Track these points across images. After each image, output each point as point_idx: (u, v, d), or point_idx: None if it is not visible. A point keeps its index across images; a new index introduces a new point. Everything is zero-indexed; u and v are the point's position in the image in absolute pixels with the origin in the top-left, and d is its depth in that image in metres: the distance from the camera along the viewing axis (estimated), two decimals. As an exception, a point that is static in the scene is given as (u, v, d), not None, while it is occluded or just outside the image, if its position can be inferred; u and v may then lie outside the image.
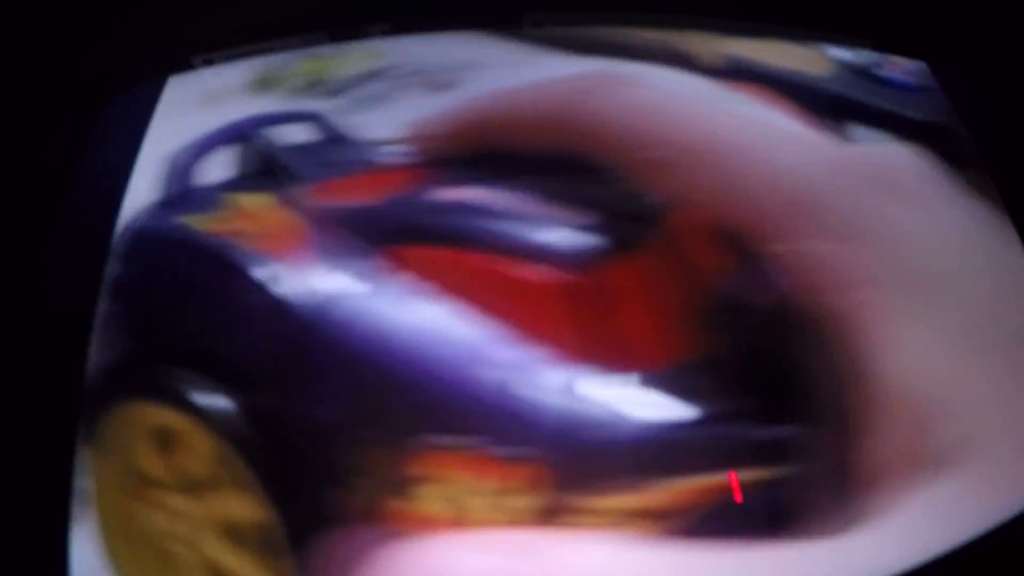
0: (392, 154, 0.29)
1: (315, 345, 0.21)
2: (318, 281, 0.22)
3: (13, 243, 0.34)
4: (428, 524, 0.19)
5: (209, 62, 0.41)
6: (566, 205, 0.22)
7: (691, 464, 0.20)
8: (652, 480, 0.19)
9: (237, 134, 0.32)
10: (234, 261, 0.23)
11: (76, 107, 0.38)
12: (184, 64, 0.41)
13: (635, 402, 0.20)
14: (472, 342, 0.19)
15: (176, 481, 0.23)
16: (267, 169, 0.30)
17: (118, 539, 0.24)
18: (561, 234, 0.20)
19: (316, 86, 0.39)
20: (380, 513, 0.20)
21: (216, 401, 0.22)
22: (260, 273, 0.22)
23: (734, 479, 0.19)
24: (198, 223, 0.26)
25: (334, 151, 0.31)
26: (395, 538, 0.19)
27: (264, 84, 0.40)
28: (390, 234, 0.22)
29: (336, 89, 0.38)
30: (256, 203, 0.26)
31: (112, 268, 0.29)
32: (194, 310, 0.24)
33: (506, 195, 0.22)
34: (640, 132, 0.23)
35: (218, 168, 0.32)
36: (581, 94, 0.27)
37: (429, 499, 0.19)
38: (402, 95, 0.39)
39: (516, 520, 0.19)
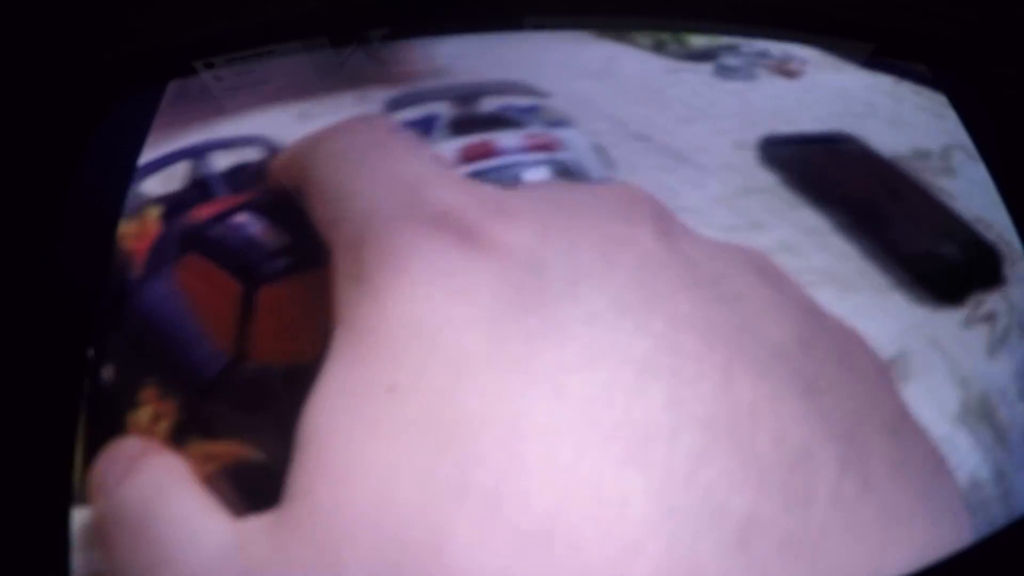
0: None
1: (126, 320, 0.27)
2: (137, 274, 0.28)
3: (12, 246, 0.34)
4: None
5: (210, 66, 0.41)
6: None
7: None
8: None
9: (189, 154, 0.36)
10: (115, 256, 0.30)
11: (77, 111, 0.38)
12: (185, 68, 0.41)
13: None
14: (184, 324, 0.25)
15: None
16: (191, 186, 0.34)
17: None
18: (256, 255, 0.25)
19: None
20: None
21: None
22: (119, 267, 0.29)
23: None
24: (122, 224, 0.31)
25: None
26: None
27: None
28: (183, 243, 0.28)
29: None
30: (152, 213, 0.31)
31: None
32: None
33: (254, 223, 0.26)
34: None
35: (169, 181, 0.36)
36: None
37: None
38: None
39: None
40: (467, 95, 0.41)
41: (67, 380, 0.30)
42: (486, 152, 0.37)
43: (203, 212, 0.29)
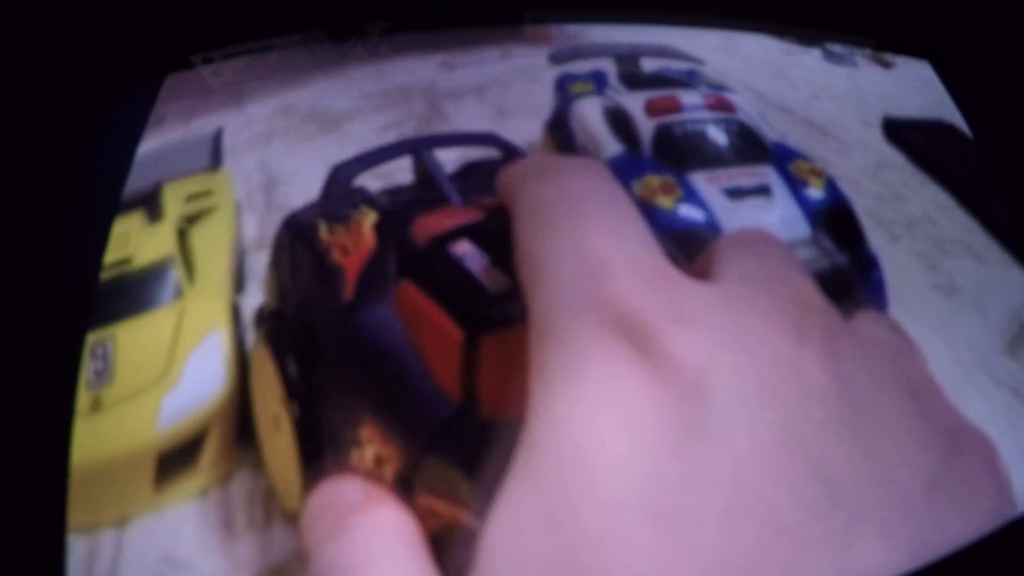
0: None
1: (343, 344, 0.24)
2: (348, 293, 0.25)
3: (10, 240, 0.32)
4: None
5: (208, 60, 0.39)
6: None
7: None
8: None
9: (411, 149, 0.32)
10: (324, 268, 0.26)
11: (75, 105, 0.35)
12: (183, 62, 0.39)
13: None
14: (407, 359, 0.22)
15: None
16: (415, 187, 0.31)
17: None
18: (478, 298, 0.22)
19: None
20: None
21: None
22: (330, 280, 0.25)
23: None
24: (321, 228, 0.27)
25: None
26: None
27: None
28: (400, 268, 0.24)
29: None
30: (366, 221, 0.27)
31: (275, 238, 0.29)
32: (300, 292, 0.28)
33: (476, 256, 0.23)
34: None
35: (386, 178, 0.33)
36: None
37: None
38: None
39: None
40: (626, 55, 0.42)
41: (63, 377, 0.28)
42: (673, 106, 0.37)
43: (425, 228, 0.25)
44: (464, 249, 0.23)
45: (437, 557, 0.19)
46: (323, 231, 0.27)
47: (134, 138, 0.35)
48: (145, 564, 0.27)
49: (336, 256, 0.26)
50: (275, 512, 0.28)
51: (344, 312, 0.24)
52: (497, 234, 0.22)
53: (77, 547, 0.26)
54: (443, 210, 0.26)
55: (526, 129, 0.40)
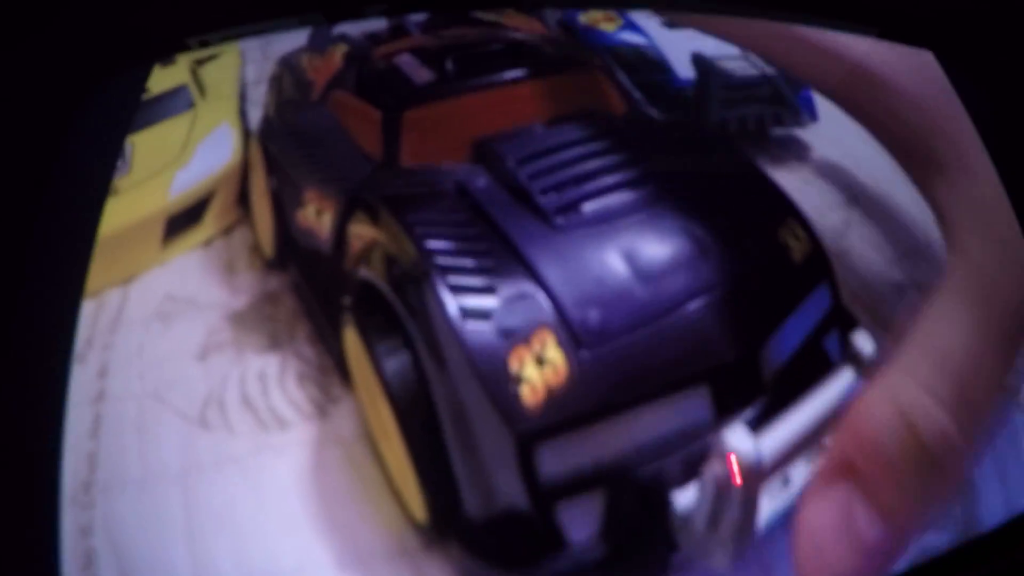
0: None
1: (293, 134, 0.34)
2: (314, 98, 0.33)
3: (4, 220, 0.34)
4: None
5: (205, 43, 0.40)
6: None
7: None
8: None
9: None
10: (301, 81, 0.35)
11: (72, 87, 0.37)
12: (179, 45, 0.40)
13: None
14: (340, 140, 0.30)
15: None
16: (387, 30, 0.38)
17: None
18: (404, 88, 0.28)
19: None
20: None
21: None
22: (303, 89, 0.35)
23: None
24: (303, 58, 0.35)
25: None
26: None
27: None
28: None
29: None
30: (337, 50, 0.34)
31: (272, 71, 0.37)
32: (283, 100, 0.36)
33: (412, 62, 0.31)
34: None
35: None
36: None
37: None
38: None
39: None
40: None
41: (55, 366, 0.29)
42: None
43: (381, 51, 0.32)
44: (403, 59, 0.30)
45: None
46: (304, 59, 0.34)
47: (129, 118, 0.36)
48: (149, 304, 0.31)
49: (310, 74, 0.32)
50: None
51: (304, 110, 0.31)
52: (435, 48, 0.30)
53: (86, 309, 0.30)
54: (403, 39, 0.33)
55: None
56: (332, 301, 0.26)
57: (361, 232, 0.25)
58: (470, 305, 0.20)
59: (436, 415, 0.21)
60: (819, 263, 0.25)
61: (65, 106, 0.37)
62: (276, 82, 0.34)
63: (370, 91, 0.28)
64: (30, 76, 0.37)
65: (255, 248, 0.32)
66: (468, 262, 0.21)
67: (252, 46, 0.40)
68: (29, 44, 0.37)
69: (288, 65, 0.34)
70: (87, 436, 0.28)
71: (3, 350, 0.29)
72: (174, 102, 0.36)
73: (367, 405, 0.26)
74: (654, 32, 0.40)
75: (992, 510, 0.27)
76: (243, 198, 0.33)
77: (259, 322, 0.30)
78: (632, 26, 0.40)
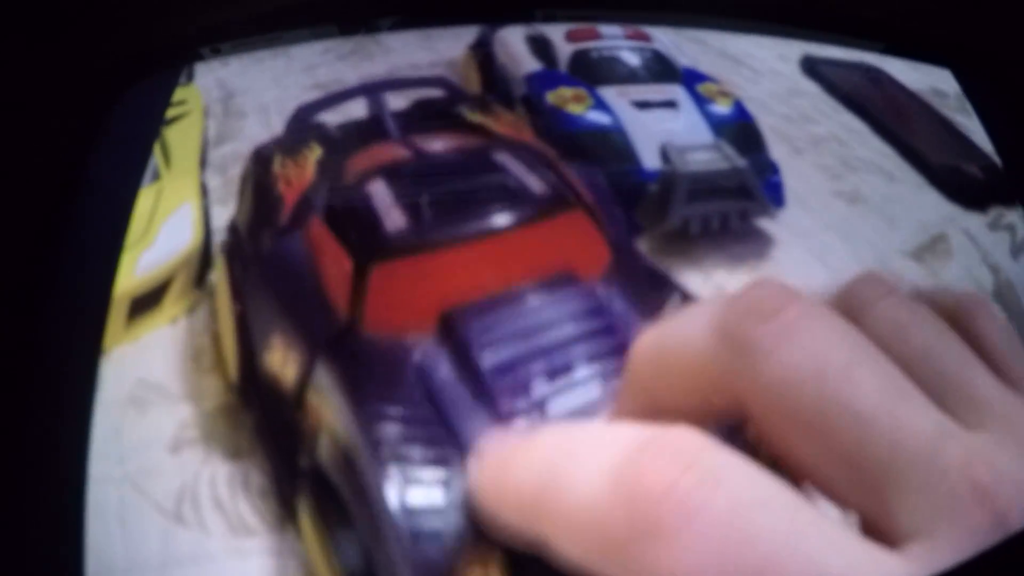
0: None
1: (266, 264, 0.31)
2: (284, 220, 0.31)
3: (27, 233, 0.34)
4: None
5: (217, 51, 0.41)
6: None
7: None
8: None
9: (365, 91, 0.39)
10: (270, 196, 0.31)
11: (88, 98, 0.38)
12: (193, 55, 0.41)
13: None
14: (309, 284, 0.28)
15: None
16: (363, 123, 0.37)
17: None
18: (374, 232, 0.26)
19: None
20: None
21: None
22: (273, 206, 0.32)
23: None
24: (275, 161, 0.32)
25: None
26: None
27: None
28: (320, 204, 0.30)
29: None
30: (311, 156, 0.33)
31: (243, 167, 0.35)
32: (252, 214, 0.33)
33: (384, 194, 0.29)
34: None
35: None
36: None
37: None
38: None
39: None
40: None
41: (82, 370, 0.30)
42: (592, 35, 0.42)
43: (355, 164, 0.30)
44: (376, 188, 0.27)
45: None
46: (276, 164, 0.31)
47: (152, 129, 0.38)
48: (122, 387, 0.31)
49: (281, 187, 0.30)
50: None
51: (275, 236, 0.29)
52: (411, 174, 0.27)
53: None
54: (379, 147, 0.32)
55: (452, 48, 0.45)
56: (290, 464, 0.25)
57: (317, 404, 0.24)
58: (415, 505, 0.20)
59: None
60: None
61: (84, 116, 0.37)
62: (246, 184, 0.33)
63: (341, 227, 0.26)
64: (42, 88, 0.37)
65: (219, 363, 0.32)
66: (417, 455, 0.21)
67: (214, 99, 0.40)
68: (44, 55, 0.37)
69: (259, 164, 0.32)
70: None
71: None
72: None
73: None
74: (624, 113, 0.39)
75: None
76: (199, 282, 0.33)
77: (226, 429, 0.30)
78: (601, 105, 0.40)
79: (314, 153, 0.31)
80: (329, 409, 0.23)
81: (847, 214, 0.30)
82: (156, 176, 0.36)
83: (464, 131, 0.33)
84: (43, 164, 0.36)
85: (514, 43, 0.44)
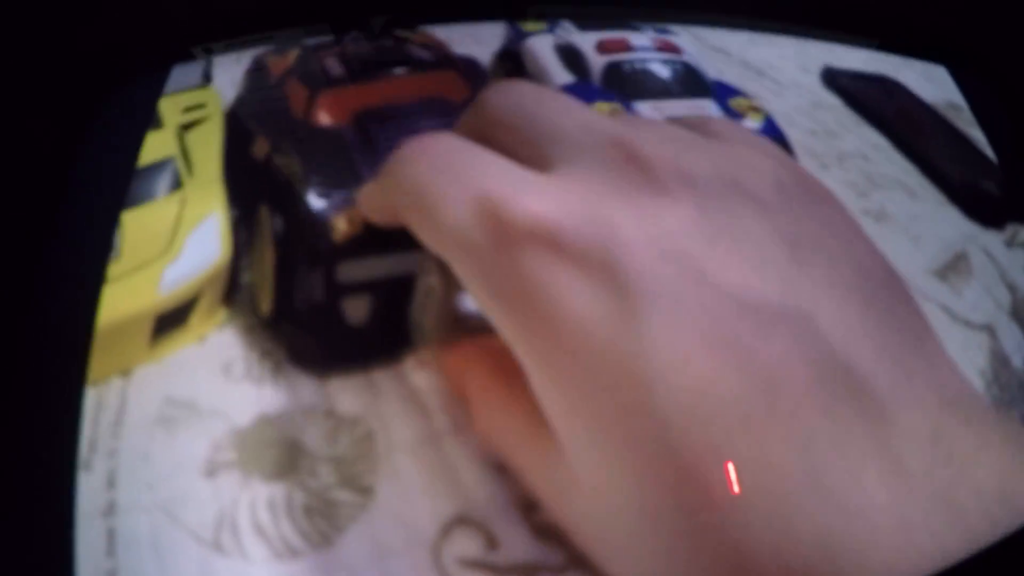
0: None
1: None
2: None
3: (14, 233, 0.34)
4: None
5: (209, 51, 0.42)
6: None
7: None
8: None
9: None
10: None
11: (75, 97, 0.38)
12: (184, 54, 0.42)
13: None
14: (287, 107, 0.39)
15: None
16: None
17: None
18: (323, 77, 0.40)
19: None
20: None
21: None
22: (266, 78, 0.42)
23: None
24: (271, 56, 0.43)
25: None
26: None
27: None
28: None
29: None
30: (292, 53, 0.43)
31: None
32: None
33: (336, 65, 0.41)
34: None
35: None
36: None
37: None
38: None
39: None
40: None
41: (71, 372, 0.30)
42: (624, 46, 0.42)
43: (320, 55, 0.41)
44: (330, 61, 0.40)
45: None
46: (269, 58, 0.42)
47: (140, 130, 0.37)
48: (149, 407, 0.30)
49: (271, 67, 0.41)
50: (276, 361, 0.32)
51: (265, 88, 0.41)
52: (353, 56, 0.40)
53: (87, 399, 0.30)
54: (338, 47, 0.42)
55: (479, 57, 0.45)
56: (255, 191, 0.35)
57: (280, 163, 0.35)
58: (318, 192, 0.32)
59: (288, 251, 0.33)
60: None
61: (73, 115, 0.37)
62: (248, 74, 0.42)
63: (304, 79, 0.38)
64: (31, 87, 0.37)
65: (248, 356, 0.32)
66: (329, 177, 0.33)
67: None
68: (31, 53, 0.37)
69: (257, 62, 0.42)
70: (104, 554, 0.27)
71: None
72: (162, 177, 0.36)
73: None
74: None
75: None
76: (228, 298, 0.34)
77: (262, 446, 0.29)
78: None
79: (294, 53, 0.42)
80: (287, 161, 0.35)
81: (875, 232, 0.30)
82: (177, 184, 0.35)
83: (396, 40, 0.44)
84: (20, 169, 0.36)
85: (543, 53, 0.43)
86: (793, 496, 0.20)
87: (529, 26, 0.46)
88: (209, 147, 0.37)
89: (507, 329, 0.24)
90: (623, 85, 0.41)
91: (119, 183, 0.35)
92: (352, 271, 0.31)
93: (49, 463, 0.29)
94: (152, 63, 0.40)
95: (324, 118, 0.36)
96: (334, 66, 0.39)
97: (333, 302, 0.32)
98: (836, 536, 0.19)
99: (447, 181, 0.26)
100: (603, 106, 0.39)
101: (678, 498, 0.21)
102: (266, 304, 0.33)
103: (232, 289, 0.34)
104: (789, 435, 0.20)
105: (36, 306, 0.32)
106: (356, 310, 0.32)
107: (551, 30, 0.45)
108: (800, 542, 0.19)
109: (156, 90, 0.39)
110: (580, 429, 0.23)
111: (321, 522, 0.28)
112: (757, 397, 0.21)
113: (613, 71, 0.41)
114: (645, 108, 0.40)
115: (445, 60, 0.41)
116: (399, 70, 0.39)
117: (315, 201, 0.32)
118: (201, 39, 0.42)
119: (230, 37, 0.42)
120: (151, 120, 0.38)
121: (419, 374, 0.32)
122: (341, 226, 0.31)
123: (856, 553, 0.19)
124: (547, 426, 0.24)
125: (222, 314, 0.33)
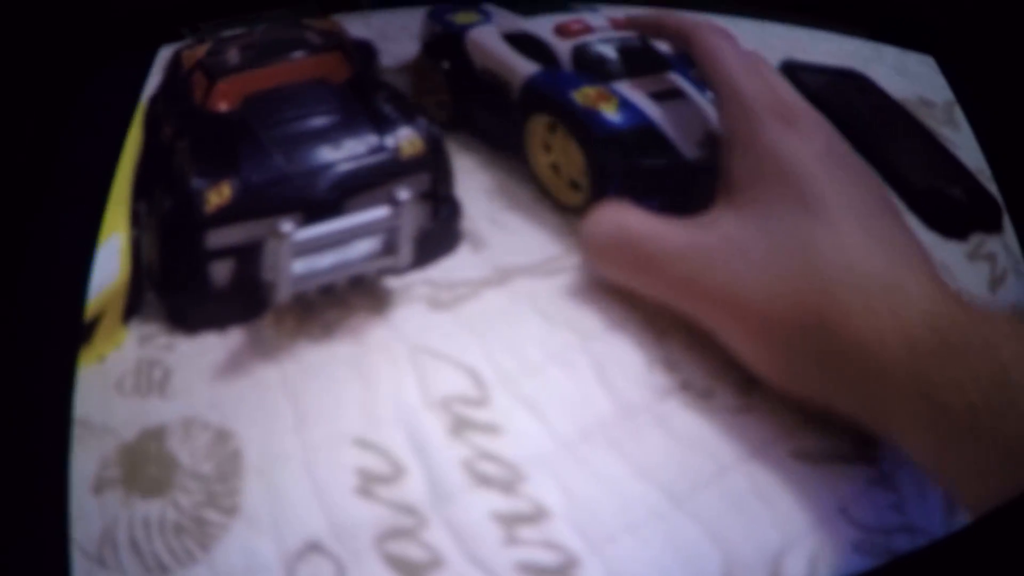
0: None
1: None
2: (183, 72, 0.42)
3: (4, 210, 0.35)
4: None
5: (197, 31, 0.44)
6: None
7: None
8: None
9: None
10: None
11: (65, 78, 0.40)
12: (172, 34, 0.43)
13: None
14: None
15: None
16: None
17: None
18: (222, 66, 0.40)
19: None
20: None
21: None
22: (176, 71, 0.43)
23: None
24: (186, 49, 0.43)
25: None
26: None
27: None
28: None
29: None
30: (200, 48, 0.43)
31: None
32: None
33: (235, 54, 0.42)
34: None
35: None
36: None
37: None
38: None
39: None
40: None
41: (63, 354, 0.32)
42: (583, 28, 0.41)
43: (225, 47, 0.42)
44: (232, 52, 0.41)
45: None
46: (184, 51, 0.43)
47: (128, 109, 0.40)
48: None
49: (184, 60, 0.42)
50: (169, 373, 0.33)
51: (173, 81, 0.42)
52: (251, 45, 0.41)
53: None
54: (242, 37, 0.43)
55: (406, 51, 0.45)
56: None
57: (182, 147, 0.38)
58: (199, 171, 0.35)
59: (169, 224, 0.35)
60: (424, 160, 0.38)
61: (62, 95, 0.39)
62: (167, 67, 0.43)
63: (207, 68, 0.40)
64: (22, 69, 0.39)
65: (139, 368, 0.34)
66: (212, 157, 0.36)
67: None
68: (21, 36, 0.39)
69: (175, 55, 0.43)
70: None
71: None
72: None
73: None
74: (649, 108, 0.39)
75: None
76: (128, 318, 0.35)
77: (143, 462, 0.31)
78: (627, 103, 0.39)
79: (205, 46, 0.42)
80: (182, 145, 0.37)
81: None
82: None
83: (293, 26, 0.45)
84: (9, 151, 0.37)
85: (495, 45, 0.42)
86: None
87: (461, 18, 0.44)
88: (123, 163, 0.38)
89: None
90: (592, 66, 0.40)
91: (110, 156, 0.38)
92: (219, 238, 0.35)
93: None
94: (140, 44, 0.42)
95: (220, 104, 0.39)
96: (234, 55, 0.41)
97: (201, 266, 0.35)
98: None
99: None
100: (589, 90, 0.38)
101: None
102: (154, 274, 0.36)
103: (132, 309, 0.35)
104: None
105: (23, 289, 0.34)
106: (221, 272, 0.35)
107: (487, 20, 0.44)
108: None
109: (144, 69, 0.41)
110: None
111: (190, 542, 0.29)
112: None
113: (580, 54, 0.40)
114: (624, 87, 0.39)
115: (334, 43, 0.43)
116: (296, 54, 0.41)
117: (195, 180, 0.35)
118: (188, 19, 0.43)
119: (217, 17, 0.44)
120: (139, 98, 0.40)
121: (272, 330, 0.35)
122: (213, 199, 0.35)
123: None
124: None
125: (123, 334, 0.34)
